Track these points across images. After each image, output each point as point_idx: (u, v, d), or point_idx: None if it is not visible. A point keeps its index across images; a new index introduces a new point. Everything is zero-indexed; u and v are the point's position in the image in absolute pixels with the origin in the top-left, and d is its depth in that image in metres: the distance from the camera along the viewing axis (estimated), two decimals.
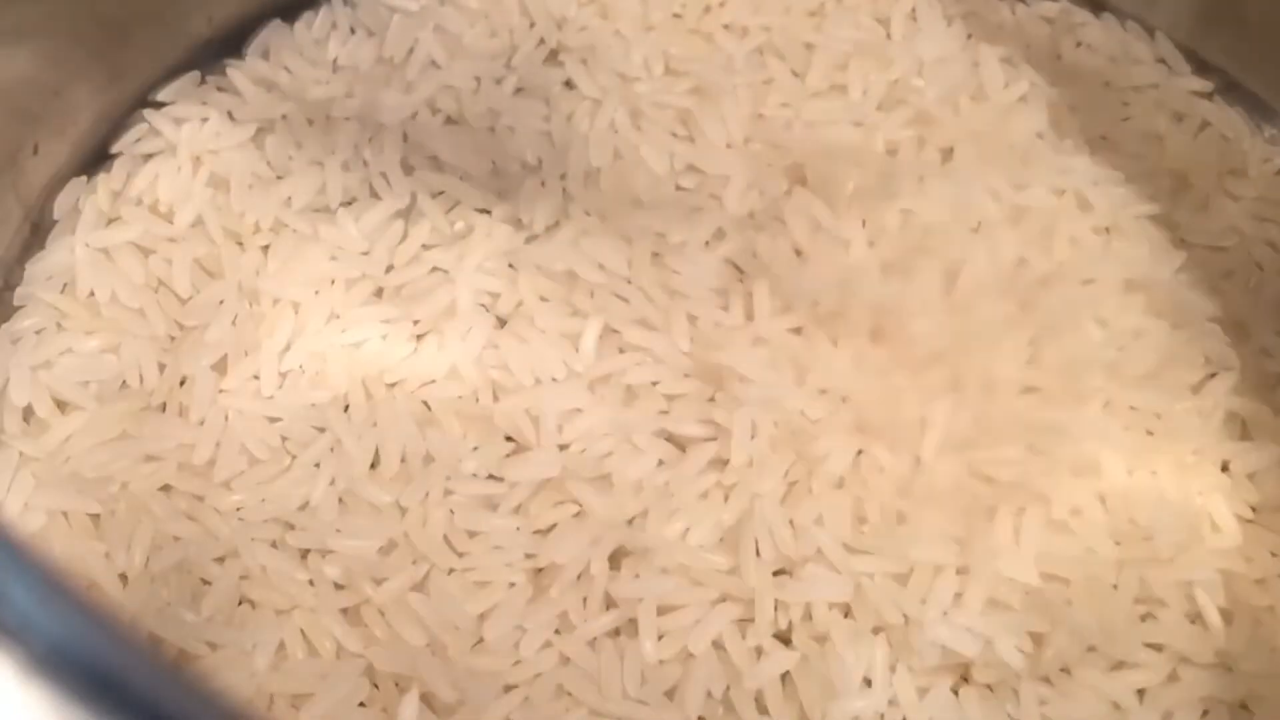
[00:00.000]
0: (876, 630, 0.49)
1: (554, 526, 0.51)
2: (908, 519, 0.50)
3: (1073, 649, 0.49)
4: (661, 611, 0.49)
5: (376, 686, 0.48)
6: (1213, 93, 0.69)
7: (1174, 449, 0.54)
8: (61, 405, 0.53)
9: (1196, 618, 0.51)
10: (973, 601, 0.49)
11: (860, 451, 0.52)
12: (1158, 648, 0.50)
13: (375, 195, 0.60)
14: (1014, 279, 0.57)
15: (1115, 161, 0.65)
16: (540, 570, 0.50)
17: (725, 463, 0.52)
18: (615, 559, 0.50)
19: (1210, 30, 0.69)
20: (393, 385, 0.54)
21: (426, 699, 0.47)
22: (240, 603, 0.49)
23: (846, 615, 0.49)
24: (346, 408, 0.53)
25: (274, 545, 0.50)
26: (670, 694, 0.48)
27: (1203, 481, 0.54)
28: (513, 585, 0.50)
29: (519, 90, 0.65)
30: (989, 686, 0.49)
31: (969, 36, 0.70)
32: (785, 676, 0.48)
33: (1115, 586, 0.50)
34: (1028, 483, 0.52)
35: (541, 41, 0.67)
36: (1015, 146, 0.64)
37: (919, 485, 0.51)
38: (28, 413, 0.53)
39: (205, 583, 0.49)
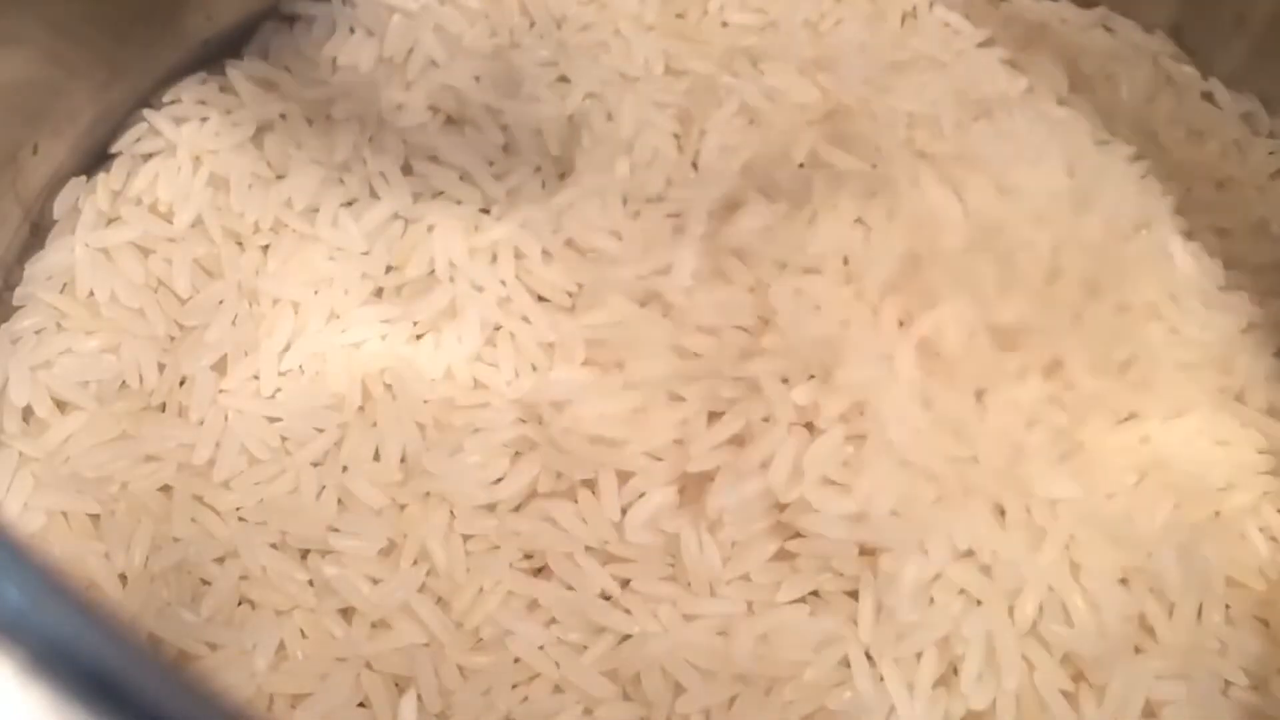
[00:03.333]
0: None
1: (554, 527, 0.51)
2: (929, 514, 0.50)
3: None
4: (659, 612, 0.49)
5: (376, 686, 0.48)
6: (1212, 93, 0.69)
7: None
8: (61, 405, 0.53)
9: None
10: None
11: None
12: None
13: (375, 195, 0.60)
14: (1020, 271, 0.57)
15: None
16: (539, 570, 0.50)
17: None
18: (613, 558, 0.50)
19: (1210, 30, 0.69)
20: (392, 385, 0.54)
21: (426, 699, 0.47)
22: (240, 603, 0.49)
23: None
24: (346, 408, 0.53)
25: (274, 545, 0.50)
26: (669, 695, 0.48)
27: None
28: (512, 585, 0.49)
29: (519, 90, 0.65)
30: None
31: (969, 34, 0.70)
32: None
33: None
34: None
35: (541, 40, 0.67)
36: (1018, 142, 0.64)
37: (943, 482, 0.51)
38: (27, 413, 0.53)
39: (205, 583, 0.49)
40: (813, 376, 0.51)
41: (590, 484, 0.51)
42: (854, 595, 0.49)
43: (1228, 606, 0.51)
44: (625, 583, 0.50)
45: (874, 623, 0.48)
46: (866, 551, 0.49)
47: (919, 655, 0.48)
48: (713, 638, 0.48)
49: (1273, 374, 0.58)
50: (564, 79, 0.65)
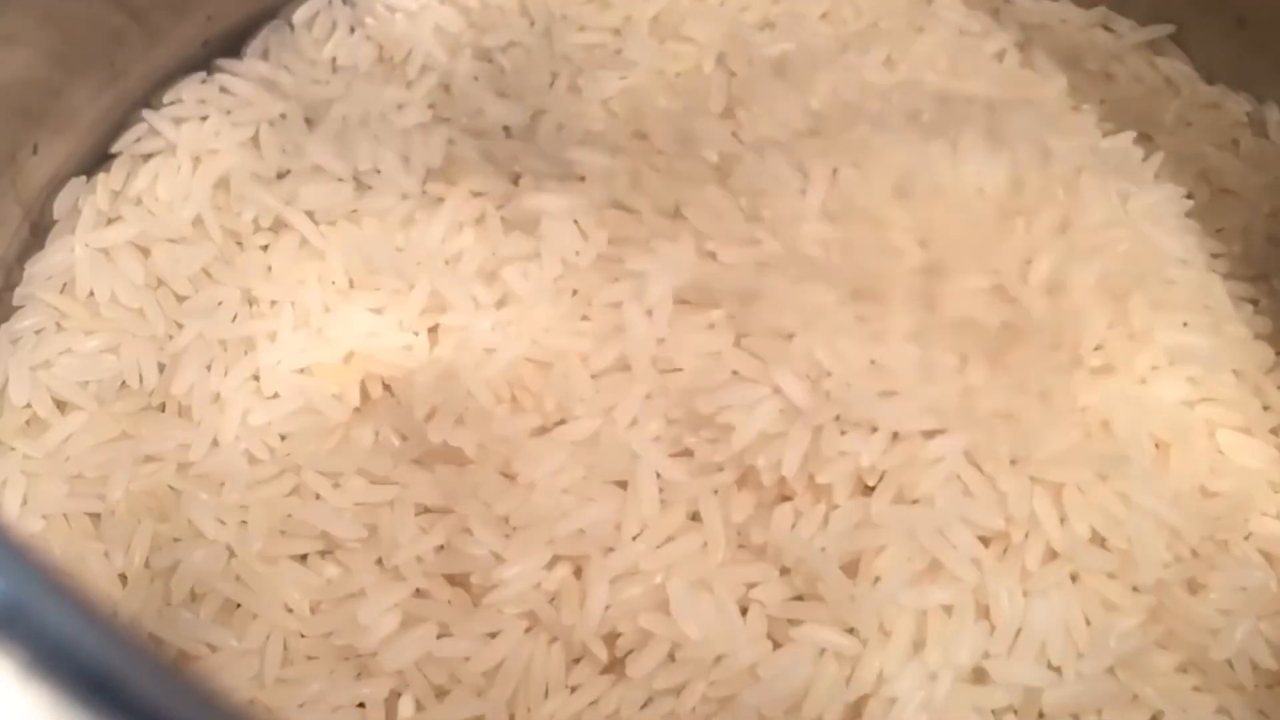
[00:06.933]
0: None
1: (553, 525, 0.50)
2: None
3: None
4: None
5: (376, 686, 0.48)
6: (1212, 93, 0.69)
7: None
8: (61, 405, 0.53)
9: None
10: None
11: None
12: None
13: (375, 195, 0.60)
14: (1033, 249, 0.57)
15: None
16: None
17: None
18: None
19: (1211, 30, 0.69)
20: (391, 385, 0.54)
21: (424, 699, 0.47)
22: (240, 604, 0.49)
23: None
24: (345, 407, 0.53)
25: (273, 545, 0.50)
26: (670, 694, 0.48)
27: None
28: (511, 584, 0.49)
29: (518, 89, 0.65)
30: None
31: (969, 34, 0.70)
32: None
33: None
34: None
35: (541, 40, 0.67)
36: (1019, 142, 0.64)
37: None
38: (28, 413, 0.53)
39: (205, 583, 0.49)
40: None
41: (600, 485, 0.51)
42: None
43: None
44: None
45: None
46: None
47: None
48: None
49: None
50: (564, 79, 0.65)
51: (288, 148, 0.61)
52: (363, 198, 0.59)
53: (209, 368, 0.54)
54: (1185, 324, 0.57)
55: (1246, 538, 0.52)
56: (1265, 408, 0.56)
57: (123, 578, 0.50)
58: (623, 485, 0.50)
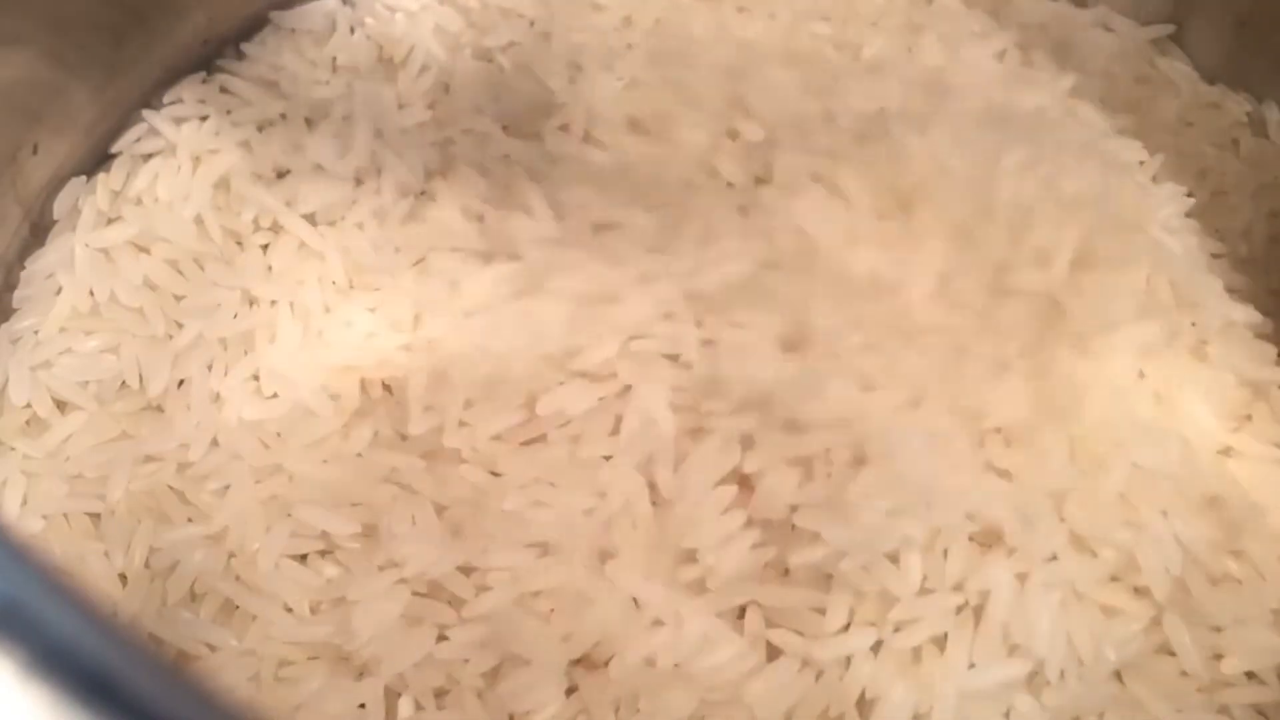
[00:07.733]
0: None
1: (556, 521, 0.50)
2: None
3: None
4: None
5: (376, 688, 0.48)
6: (1212, 93, 0.69)
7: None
8: (61, 405, 0.53)
9: None
10: None
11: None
12: None
13: (375, 194, 0.60)
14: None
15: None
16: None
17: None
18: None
19: (1210, 30, 0.69)
20: (391, 384, 0.54)
21: (423, 701, 0.47)
22: (239, 604, 0.49)
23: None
24: (345, 407, 0.53)
25: (273, 546, 0.50)
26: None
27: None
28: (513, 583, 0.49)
29: (518, 90, 0.65)
30: None
31: (970, 34, 0.70)
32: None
33: None
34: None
35: (541, 39, 0.67)
36: (1019, 142, 0.64)
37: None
38: (28, 413, 0.53)
39: (204, 584, 0.49)
40: None
41: (609, 486, 0.51)
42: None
43: None
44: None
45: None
46: None
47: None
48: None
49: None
50: (564, 79, 0.65)
51: (288, 148, 0.61)
52: (363, 198, 0.59)
53: (209, 367, 0.54)
54: (1190, 324, 0.57)
55: (1249, 540, 0.52)
56: (1266, 408, 0.56)
57: (123, 578, 0.50)
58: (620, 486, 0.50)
